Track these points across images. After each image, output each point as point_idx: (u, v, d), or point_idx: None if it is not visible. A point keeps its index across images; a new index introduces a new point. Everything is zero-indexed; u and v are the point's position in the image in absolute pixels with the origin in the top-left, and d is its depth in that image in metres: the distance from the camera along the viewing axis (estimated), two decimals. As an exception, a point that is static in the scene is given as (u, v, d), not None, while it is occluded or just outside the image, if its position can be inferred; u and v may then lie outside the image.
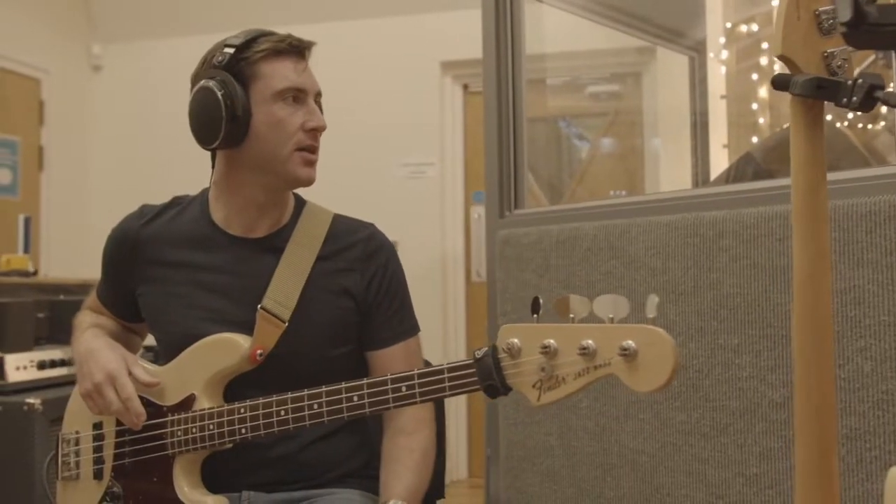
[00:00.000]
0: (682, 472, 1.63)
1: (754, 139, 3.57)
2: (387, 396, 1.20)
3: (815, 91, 0.95)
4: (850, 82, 0.93)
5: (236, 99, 1.37)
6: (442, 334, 4.45)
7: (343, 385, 1.24)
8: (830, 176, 1.04)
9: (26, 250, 3.45)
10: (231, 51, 1.39)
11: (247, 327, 1.39)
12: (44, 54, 4.70)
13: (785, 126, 3.25)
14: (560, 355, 1.04)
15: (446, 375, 1.15)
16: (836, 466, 1.01)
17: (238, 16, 4.42)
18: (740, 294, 1.54)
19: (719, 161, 3.39)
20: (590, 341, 1.01)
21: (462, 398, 4.52)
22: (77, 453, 1.48)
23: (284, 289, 1.41)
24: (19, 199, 4.49)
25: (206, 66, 1.41)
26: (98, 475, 1.45)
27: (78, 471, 1.47)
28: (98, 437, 1.45)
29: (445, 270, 4.55)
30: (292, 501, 1.41)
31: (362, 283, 1.45)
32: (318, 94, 1.45)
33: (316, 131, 1.42)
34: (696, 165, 3.45)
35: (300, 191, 1.54)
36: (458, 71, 4.59)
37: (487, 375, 1.10)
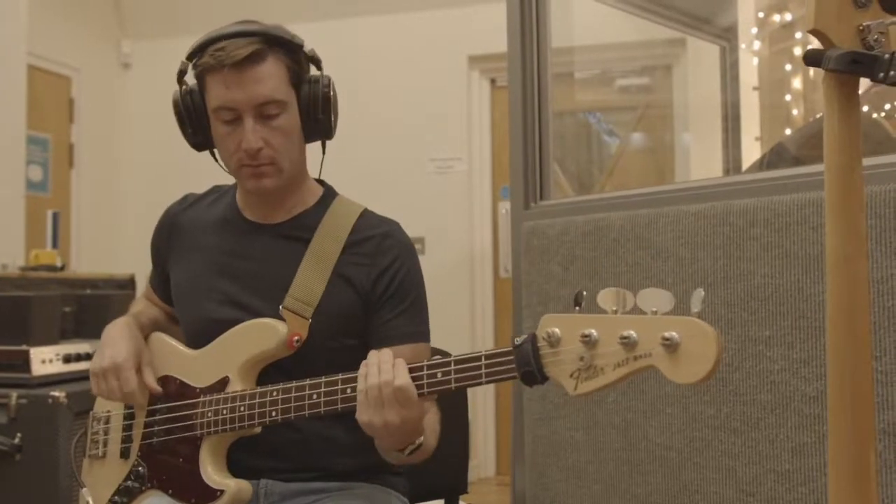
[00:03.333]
0: (712, 468, 1.58)
1: (787, 131, 3.49)
2: (422, 382, 1.16)
3: (850, 66, 0.90)
4: (887, 56, 0.89)
5: (192, 111, 1.40)
6: (470, 331, 4.42)
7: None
8: (867, 161, 0.99)
9: (55, 245, 3.47)
10: (186, 61, 1.39)
11: (258, 313, 1.39)
12: (74, 52, 4.74)
13: (818, 115, 3.17)
14: (600, 345, 1.02)
15: (483, 362, 1.12)
16: (873, 463, 0.97)
17: (266, 13, 4.38)
18: (772, 284, 1.49)
19: (751, 154, 3.32)
20: (632, 332, 0.99)
21: (490, 395, 4.49)
22: (106, 431, 1.50)
23: (307, 287, 1.39)
24: (50, 196, 4.53)
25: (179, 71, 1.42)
26: (125, 454, 1.46)
27: (105, 448, 1.49)
28: (129, 416, 1.47)
29: (473, 266, 4.52)
30: (310, 492, 1.40)
31: (369, 278, 1.41)
32: (268, 103, 1.35)
33: (249, 152, 1.36)
34: (727, 159, 3.38)
35: (331, 182, 1.55)
36: (485, 65, 4.56)
37: (525, 362, 1.08)
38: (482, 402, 4.43)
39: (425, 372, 1.16)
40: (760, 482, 1.50)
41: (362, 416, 1.18)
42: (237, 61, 1.31)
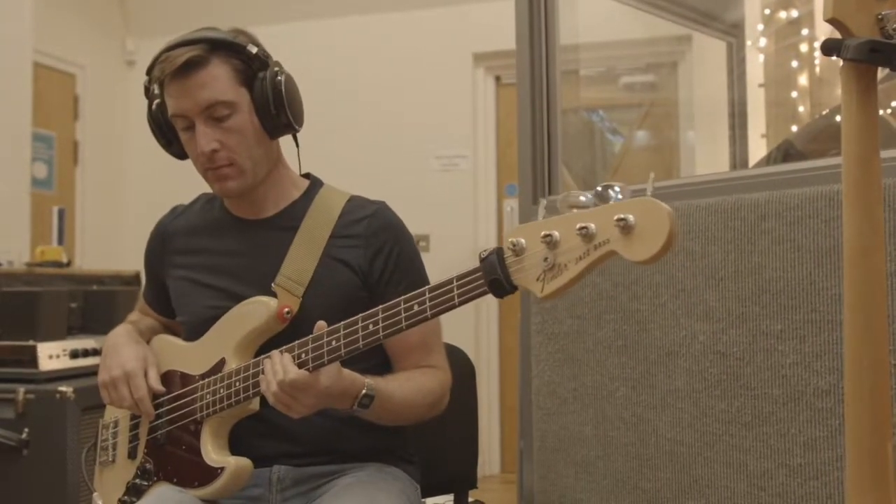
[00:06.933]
0: (722, 462, 1.57)
1: (794, 128, 3.48)
2: (399, 318, 1.18)
3: (868, 55, 0.90)
4: (906, 45, 0.89)
5: (161, 124, 1.44)
6: (474, 327, 4.41)
7: (360, 315, 1.23)
8: (883, 153, 0.99)
9: (60, 242, 3.48)
10: (146, 76, 1.43)
11: None
12: (79, 50, 4.74)
13: (824, 112, 3.16)
14: (561, 243, 1.03)
15: (455, 284, 1.13)
16: (890, 456, 0.96)
17: (271, 10, 4.43)
18: (783, 278, 1.48)
19: (758, 151, 3.31)
20: (589, 223, 1.00)
21: (494, 393, 4.48)
22: (115, 436, 1.52)
23: (298, 266, 1.41)
24: (55, 193, 4.53)
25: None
26: (132, 454, 1.48)
27: (114, 453, 1.51)
28: (135, 416, 1.49)
29: (477, 264, 4.51)
30: (321, 476, 1.40)
31: (366, 259, 1.43)
32: (214, 105, 1.37)
33: (205, 154, 1.39)
34: (733, 156, 3.37)
35: (335, 179, 1.56)
36: (490, 62, 4.55)
37: (492, 271, 1.09)
38: (486, 402, 4.42)
39: (402, 307, 1.18)
40: (772, 476, 1.50)
41: (292, 414, 1.25)
42: (176, 69, 1.35)
